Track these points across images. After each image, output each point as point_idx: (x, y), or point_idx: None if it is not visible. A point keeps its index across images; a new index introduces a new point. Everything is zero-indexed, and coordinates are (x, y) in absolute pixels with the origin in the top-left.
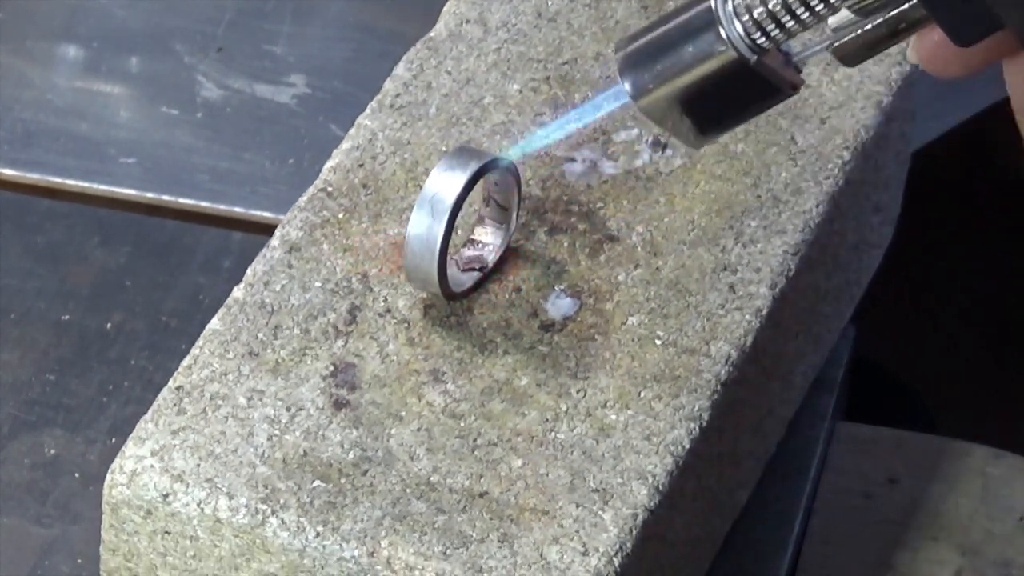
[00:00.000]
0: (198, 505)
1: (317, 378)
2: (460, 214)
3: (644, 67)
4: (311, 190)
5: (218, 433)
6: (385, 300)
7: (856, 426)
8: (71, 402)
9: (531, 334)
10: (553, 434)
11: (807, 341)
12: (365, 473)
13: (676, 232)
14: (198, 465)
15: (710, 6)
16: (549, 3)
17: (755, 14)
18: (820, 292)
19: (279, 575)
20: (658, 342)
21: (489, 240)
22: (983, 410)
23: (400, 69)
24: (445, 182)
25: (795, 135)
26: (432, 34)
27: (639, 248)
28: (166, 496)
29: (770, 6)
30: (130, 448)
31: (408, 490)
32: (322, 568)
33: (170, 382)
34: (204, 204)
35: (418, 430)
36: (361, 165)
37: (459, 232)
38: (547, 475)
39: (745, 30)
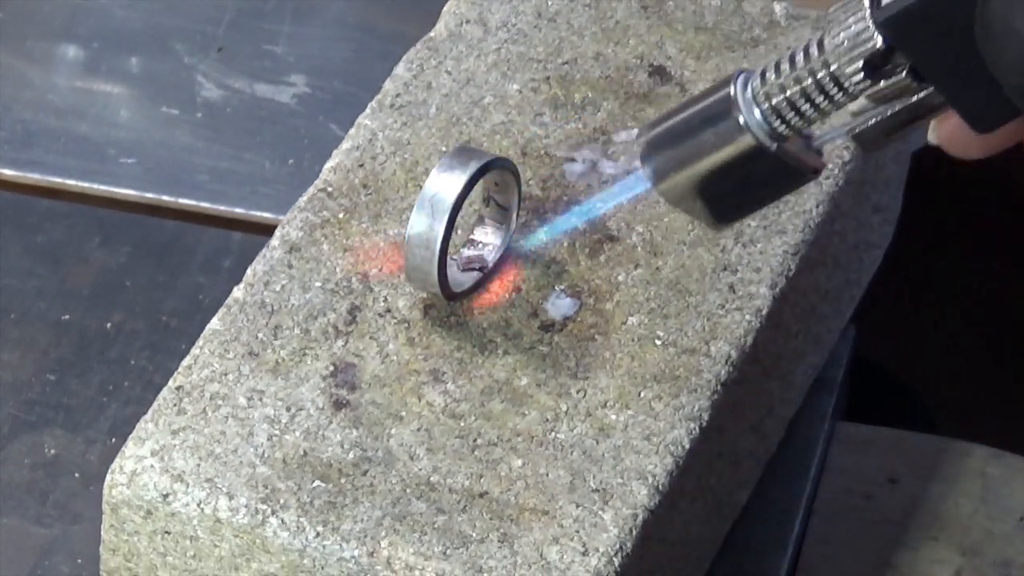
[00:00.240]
0: (198, 505)
1: (317, 378)
2: (460, 214)
3: (664, 153)
4: (311, 190)
5: (218, 433)
6: (385, 300)
7: (856, 426)
8: (71, 402)
9: (531, 334)
10: (553, 434)
11: (807, 341)
12: (365, 473)
13: (676, 232)
14: (198, 465)
15: (729, 93)
16: (549, 3)
17: (774, 102)
18: (820, 292)
19: (279, 575)
20: (658, 342)
21: (489, 240)
22: (983, 410)
23: (400, 69)
24: (445, 182)
25: None
26: (432, 34)
27: (639, 248)
28: (166, 496)
29: (788, 94)
30: (130, 448)
31: (408, 490)
32: (322, 568)
33: (170, 382)
34: (204, 204)
35: (418, 430)
36: (361, 165)
37: (459, 232)
38: (547, 475)
39: (764, 117)
